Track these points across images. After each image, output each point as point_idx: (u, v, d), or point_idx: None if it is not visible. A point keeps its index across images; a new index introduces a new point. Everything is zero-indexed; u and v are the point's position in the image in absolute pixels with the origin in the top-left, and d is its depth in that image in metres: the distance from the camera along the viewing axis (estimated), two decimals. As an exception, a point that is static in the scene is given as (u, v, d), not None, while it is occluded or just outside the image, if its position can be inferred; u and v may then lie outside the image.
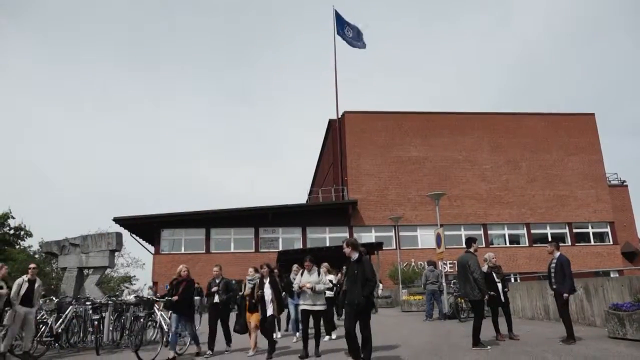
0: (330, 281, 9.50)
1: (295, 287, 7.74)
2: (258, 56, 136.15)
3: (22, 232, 35.25)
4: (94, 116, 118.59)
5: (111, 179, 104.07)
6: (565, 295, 7.75)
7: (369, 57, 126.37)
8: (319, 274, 7.80)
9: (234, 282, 9.79)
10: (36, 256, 34.51)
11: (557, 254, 8.11)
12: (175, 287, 8.66)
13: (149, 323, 8.89)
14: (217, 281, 8.98)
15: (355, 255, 6.50)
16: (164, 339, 8.51)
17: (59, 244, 20.26)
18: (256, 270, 8.27)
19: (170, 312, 8.60)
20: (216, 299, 8.85)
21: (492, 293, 8.53)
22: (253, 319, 8.24)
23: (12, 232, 34.72)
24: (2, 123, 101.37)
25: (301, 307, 7.70)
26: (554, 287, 8.02)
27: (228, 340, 8.96)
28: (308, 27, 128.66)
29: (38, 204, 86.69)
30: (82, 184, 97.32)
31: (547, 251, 8.37)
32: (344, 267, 7.22)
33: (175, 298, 8.37)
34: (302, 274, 7.88)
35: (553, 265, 8.09)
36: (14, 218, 34.43)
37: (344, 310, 6.84)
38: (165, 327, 8.72)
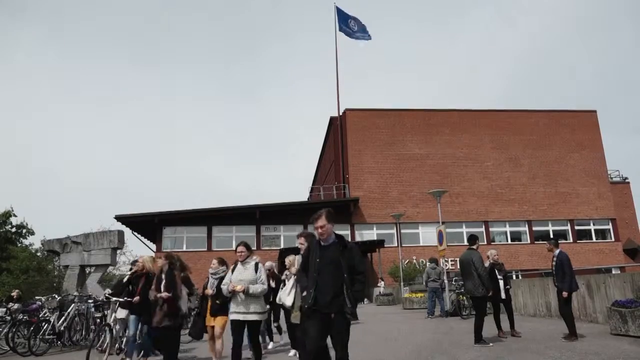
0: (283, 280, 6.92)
1: (225, 289, 5.69)
2: (259, 54, 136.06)
3: (24, 230, 35.38)
4: (97, 113, 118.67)
5: (113, 177, 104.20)
6: (565, 293, 7.75)
7: (371, 54, 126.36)
8: (256, 269, 5.79)
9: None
10: (38, 254, 34.60)
11: (557, 251, 8.09)
12: (134, 283, 7.49)
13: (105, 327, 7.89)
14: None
15: (330, 238, 4.29)
16: (117, 345, 7.63)
17: (61, 242, 20.32)
18: (221, 263, 6.73)
19: (128, 313, 7.54)
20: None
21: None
22: (218, 323, 6.59)
23: (14, 230, 34.84)
24: (4, 121, 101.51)
25: (231, 317, 5.71)
26: (556, 284, 8.02)
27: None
28: (309, 25, 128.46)
29: (40, 202, 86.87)
30: (84, 181, 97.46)
31: (547, 249, 8.36)
32: (294, 256, 5.89)
33: (136, 299, 7.20)
34: (233, 270, 5.86)
35: (554, 262, 8.09)
36: (16, 216, 34.60)
37: (297, 320, 5.12)
38: (116, 331, 7.71)
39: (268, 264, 7.86)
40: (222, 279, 6.16)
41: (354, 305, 4.09)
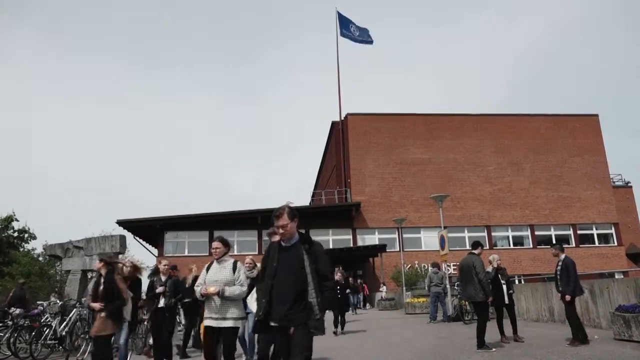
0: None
1: (198, 292, 5.00)
2: (261, 58, 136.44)
3: (26, 235, 35.39)
4: (98, 117, 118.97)
5: (115, 181, 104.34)
6: (568, 297, 7.73)
7: (372, 58, 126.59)
8: (235, 268, 5.10)
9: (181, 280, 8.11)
10: (40, 259, 34.63)
11: (563, 256, 8.11)
12: None
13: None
14: (164, 279, 7.12)
15: (293, 238, 3.69)
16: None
17: (63, 247, 20.30)
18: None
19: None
20: (161, 302, 6.96)
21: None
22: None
23: (16, 234, 34.86)
24: (5, 123, 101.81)
25: (205, 323, 5.03)
26: (560, 289, 8.00)
27: (166, 357, 6.89)
28: (311, 29, 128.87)
29: (42, 206, 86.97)
30: (85, 186, 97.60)
31: (552, 254, 8.35)
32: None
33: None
34: (208, 269, 5.20)
35: (559, 267, 8.08)
36: (17, 220, 34.60)
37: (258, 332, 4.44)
38: (72, 343, 7.33)
39: (249, 259, 7.30)
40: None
41: (321, 316, 3.43)
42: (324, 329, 3.44)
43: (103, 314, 5.63)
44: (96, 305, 5.55)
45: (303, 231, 3.84)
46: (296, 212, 3.72)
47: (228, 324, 4.91)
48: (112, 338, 5.99)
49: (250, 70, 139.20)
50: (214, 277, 5.00)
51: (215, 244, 5.21)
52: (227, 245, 5.27)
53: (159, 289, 6.91)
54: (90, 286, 6.62)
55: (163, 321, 6.82)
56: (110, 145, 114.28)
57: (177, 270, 8.47)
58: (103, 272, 5.89)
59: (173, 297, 7.00)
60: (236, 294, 4.93)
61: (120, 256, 7.75)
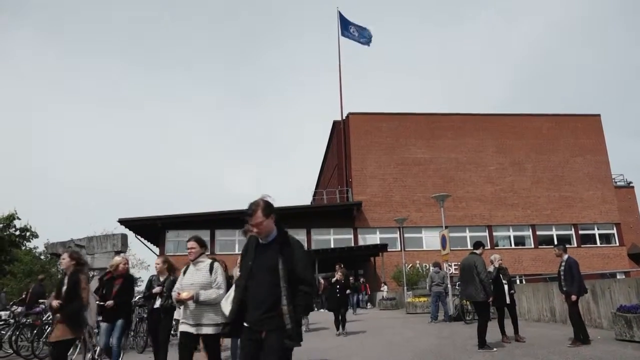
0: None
1: (175, 296, 4.64)
2: (263, 58, 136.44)
3: (28, 233, 35.45)
4: (100, 115, 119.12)
5: (116, 180, 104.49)
6: (574, 296, 7.74)
7: (373, 58, 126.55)
8: (211, 270, 4.74)
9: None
10: (42, 257, 34.69)
11: (566, 256, 8.11)
12: (107, 286, 6.66)
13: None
14: (162, 279, 6.50)
15: (271, 235, 3.29)
16: (89, 356, 6.73)
17: (65, 245, 20.33)
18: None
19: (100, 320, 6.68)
20: (157, 303, 6.39)
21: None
22: None
23: (17, 233, 34.92)
24: (7, 124, 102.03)
25: (180, 328, 4.68)
26: (564, 289, 8.00)
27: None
28: (312, 29, 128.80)
29: (43, 205, 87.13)
30: (87, 185, 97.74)
31: (555, 254, 8.35)
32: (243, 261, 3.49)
33: (109, 303, 6.41)
34: (184, 272, 4.86)
35: (562, 267, 8.08)
36: (19, 219, 34.67)
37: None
38: (91, 341, 6.70)
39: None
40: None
41: (295, 325, 3.03)
42: (300, 339, 3.09)
43: (58, 317, 5.15)
44: (55, 303, 5.07)
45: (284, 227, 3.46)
46: (273, 207, 3.33)
47: (207, 330, 4.51)
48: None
49: (251, 70, 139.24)
50: (189, 281, 4.67)
51: (191, 244, 4.79)
52: (203, 245, 4.89)
53: (156, 289, 6.43)
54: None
55: (159, 323, 6.32)
56: (112, 145, 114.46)
57: (178, 270, 8.38)
58: (69, 270, 5.34)
59: (170, 298, 6.19)
60: (212, 297, 4.50)
61: (120, 255, 7.41)
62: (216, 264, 4.79)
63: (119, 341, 6.57)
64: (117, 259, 6.80)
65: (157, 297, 6.38)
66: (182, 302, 4.52)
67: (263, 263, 3.20)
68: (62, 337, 5.11)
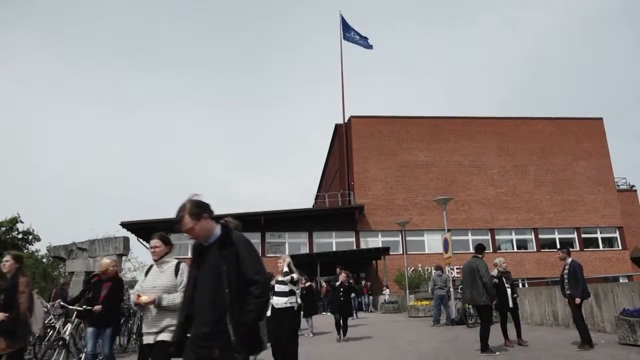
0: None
1: (133, 299, 4.12)
2: (264, 62, 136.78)
3: (31, 237, 35.51)
4: (101, 118, 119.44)
5: (118, 183, 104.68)
6: (578, 300, 7.72)
7: (375, 61, 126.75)
8: (177, 271, 4.25)
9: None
10: (44, 260, 34.74)
11: (570, 259, 8.10)
12: (94, 290, 6.25)
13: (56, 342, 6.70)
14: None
15: (212, 236, 2.89)
16: None
17: (67, 249, 20.36)
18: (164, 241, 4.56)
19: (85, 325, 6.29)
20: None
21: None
22: None
23: (20, 236, 34.98)
24: (8, 125, 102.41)
25: (144, 340, 4.17)
26: (568, 292, 7.98)
27: None
28: (314, 32, 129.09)
29: (46, 208, 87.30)
30: (89, 188, 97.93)
31: (559, 258, 8.34)
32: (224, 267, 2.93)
33: (97, 308, 5.92)
34: (147, 273, 4.35)
35: (566, 271, 8.06)
36: (22, 222, 34.72)
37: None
38: (75, 346, 6.56)
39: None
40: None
41: (238, 337, 2.58)
42: (251, 352, 2.82)
43: None
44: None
45: (228, 221, 3.09)
46: (204, 206, 2.88)
47: (163, 337, 3.95)
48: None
49: (253, 74, 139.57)
50: (152, 283, 4.16)
51: (154, 242, 4.25)
52: (168, 243, 4.34)
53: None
54: None
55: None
56: (114, 146, 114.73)
57: None
58: (9, 274, 4.76)
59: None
60: (177, 302, 3.92)
61: (108, 258, 6.84)
62: (182, 265, 4.29)
63: (111, 350, 6.08)
64: (106, 261, 6.34)
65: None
66: (140, 305, 4.07)
67: (207, 270, 2.80)
68: (6, 350, 4.56)
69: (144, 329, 4.08)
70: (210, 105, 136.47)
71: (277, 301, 6.76)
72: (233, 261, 2.74)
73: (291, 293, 6.89)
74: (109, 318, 6.03)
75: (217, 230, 2.90)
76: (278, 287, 6.73)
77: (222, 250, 2.79)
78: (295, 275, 6.97)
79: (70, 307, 6.78)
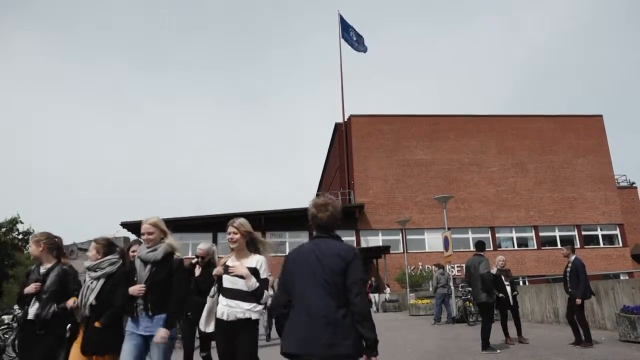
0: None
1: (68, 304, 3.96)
2: (264, 61, 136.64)
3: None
4: (103, 119, 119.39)
5: (118, 183, 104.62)
6: (578, 300, 7.71)
7: (375, 60, 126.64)
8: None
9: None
10: (45, 261, 34.70)
11: (573, 257, 8.09)
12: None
13: None
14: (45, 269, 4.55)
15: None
16: None
17: (67, 249, 20.36)
18: (108, 246, 4.41)
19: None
20: (32, 309, 4.50)
21: (500, 295, 8.50)
22: None
23: (20, 237, 34.96)
24: (8, 125, 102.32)
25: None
26: (570, 290, 7.97)
27: None
28: (314, 32, 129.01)
29: (46, 208, 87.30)
30: (89, 188, 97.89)
31: (563, 254, 8.34)
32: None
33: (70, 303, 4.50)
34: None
35: (568, 268, 8.05)
36: (22, 223, 34.68)
37: None
38: None
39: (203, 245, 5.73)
40: (109, 277, 4.16)
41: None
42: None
43: None
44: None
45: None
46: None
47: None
48: None
49: (253, 73, 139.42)
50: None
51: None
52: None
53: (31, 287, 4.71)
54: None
55: (35, 341, 4.57)
56: (115, 147, 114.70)
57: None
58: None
59: (57, 303, 4.67)
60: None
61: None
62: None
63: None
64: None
65: (34, 300, 4.37)
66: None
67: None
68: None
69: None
70: (210, 105, 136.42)
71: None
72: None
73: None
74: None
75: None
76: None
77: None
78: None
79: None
